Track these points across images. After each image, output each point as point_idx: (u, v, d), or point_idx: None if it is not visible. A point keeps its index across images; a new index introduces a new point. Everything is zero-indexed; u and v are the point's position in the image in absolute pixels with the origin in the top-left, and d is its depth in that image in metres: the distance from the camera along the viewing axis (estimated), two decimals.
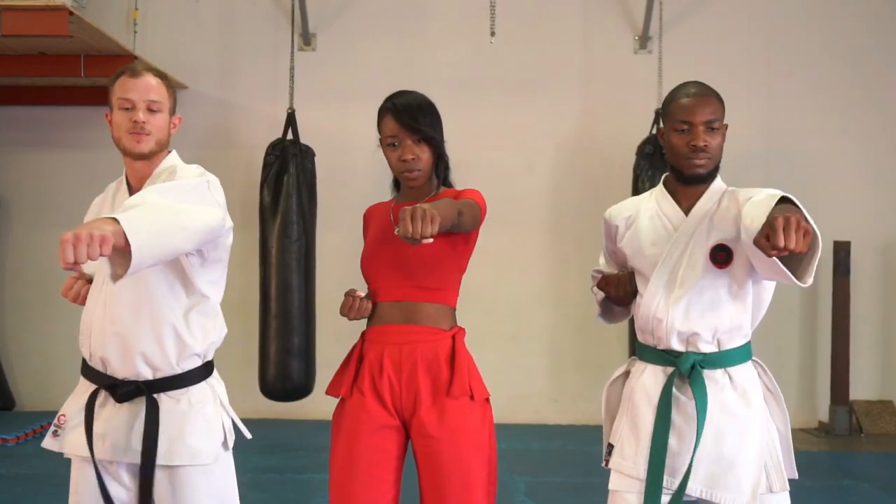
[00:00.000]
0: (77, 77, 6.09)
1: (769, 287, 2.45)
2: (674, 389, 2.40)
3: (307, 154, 6.15)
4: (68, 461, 2.49)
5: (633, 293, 2.54)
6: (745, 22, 6.96)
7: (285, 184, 5.99)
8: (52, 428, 2.45)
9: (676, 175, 2.48)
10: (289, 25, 6.52)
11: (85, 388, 2.43)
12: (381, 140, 2.58)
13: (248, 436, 2.52)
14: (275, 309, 5.92)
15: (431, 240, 2.10)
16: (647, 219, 2.52)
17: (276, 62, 6.78)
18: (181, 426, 2.35)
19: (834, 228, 6.38)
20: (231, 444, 2.46)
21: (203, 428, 2.37)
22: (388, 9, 6.97)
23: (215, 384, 2.47)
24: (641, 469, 2.39)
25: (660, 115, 2.55)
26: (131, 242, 1.94)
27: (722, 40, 6.92)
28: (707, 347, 2.41)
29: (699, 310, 2.39)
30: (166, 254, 2.10)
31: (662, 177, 2.58)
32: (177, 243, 2.12)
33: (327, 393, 2.58)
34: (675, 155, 2.43)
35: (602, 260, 2.72)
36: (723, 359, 2.41)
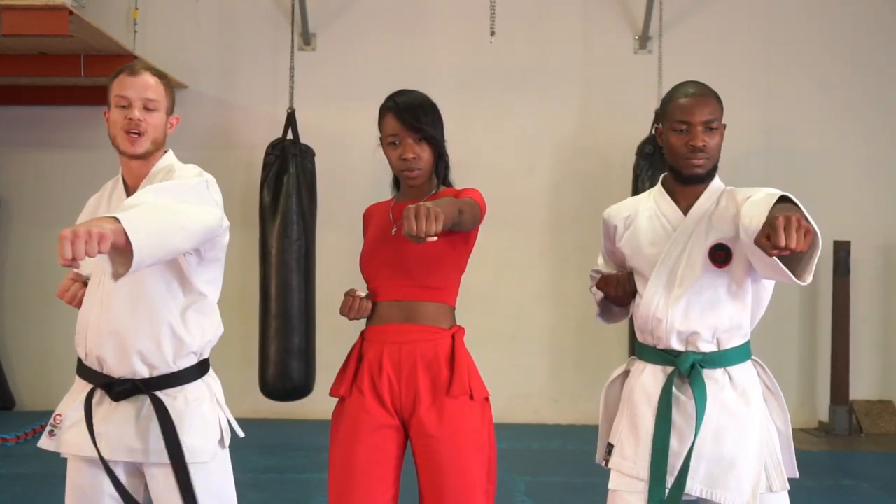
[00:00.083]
0: (77, 77, 6.08)
1: (768, 286, 2.45)
2: (674, 389, 2.40)
3: (307, 154, 6.15)
4: (67, 461, 2.48)
5: (632, 293, 2.54)
6: (745, 22, 6.97)
7: (285, 184, 5.99)
8: (49, 428, 2.45)
9: (675, 175, 2.48)
10: (289, 25, 6.52)
11: (81, 387, 2.43)
12: (381, 139, 2.58)
13: (241, 434, 2.52)
14: (275, 309, 5.92)
15: (436, 238, 2.09)
16: (645, 219, 2.52)
17: (276, 62, 6.78)
18: (178, 424, 2.35)
19: (834, 228, 6.38)
20: (228, 441, 2.46)
21: (200, 426, 2.37)
22: (388, 9, 6.97)
23: (211, 382, 2.48)
24: (641, 469, 2.40)
25: (658, 114, 2.54)
26: (132, 241, 1.94)
27: (722, 40, 6.92)
28: (707, 347, 2.41)
29: (699, 309, 2.39)
30: (166, 253, 2.11)
31: (661, 177, 2.58)
32: (177, 243, 2.12)
33: (330, 394, 2.58)
34: (673, 155, 2.43)
35: (601, 260, 2.72)
36: (722, 358, 2.41)
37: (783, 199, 2.16)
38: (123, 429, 2.35)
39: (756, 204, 2.19)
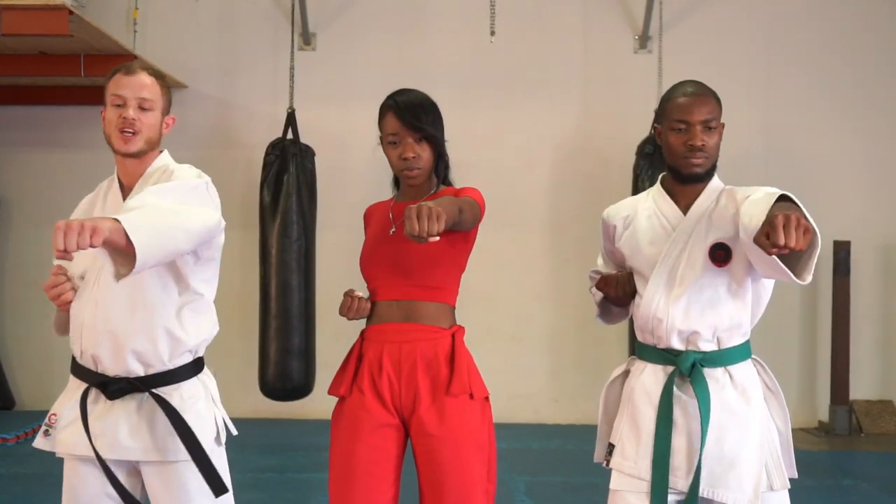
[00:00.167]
0: (77, 77, 6.09)
1: (768, 285, 2.45)
2: (674, 388, 2.40)
3: (307, 154, 6.15)
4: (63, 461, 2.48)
5: (632, 293, 2.54)
6: (745, 22, 6.97)
7: (285, 183, 5.99)
8: (44, 427, 2.45)
9: (674, 174, 2.48)
10: (289, 25, 6.53)
11: (76, 386, 2.42)
12: (381, 138, 2.58)
13: (234, 432, 2.52)
14: (275, 309, 5.92)
15: (438, 238, 2.09)
16: (644, 218, 2.52)
17: (276, 62, 6.78)
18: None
19: (834, 228, 6.39)
20: (223, 439, 2.46)
21: (196, 423, 2.37)
22: (389, 8, 6.97)
23: (206, 380, 2.48)
24: (642, 468, 2.39)
25: (657, 114, 2.54)
26: (134, 241, 1.96)
27: (722, 40, 6.92)
28: (707, 346, 2.41)
29: (699, 308, 2.39)
30: (168, 254, 2.13)
31: (660, 176, 2.58)
32: (178, 244, 2.14)
33: (329, 393, 2.58)
34: (672, 154, 2.43)
35: (600, 260, 2.72)
36: (723, 357, 2.41)
37: (782, 198, 2.16)
38: (119, 427, 2.35)
39: (755, 203, 2.19)
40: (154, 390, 2.35)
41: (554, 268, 6.89)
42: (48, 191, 6.83)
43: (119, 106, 2.38)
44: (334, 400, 2.57)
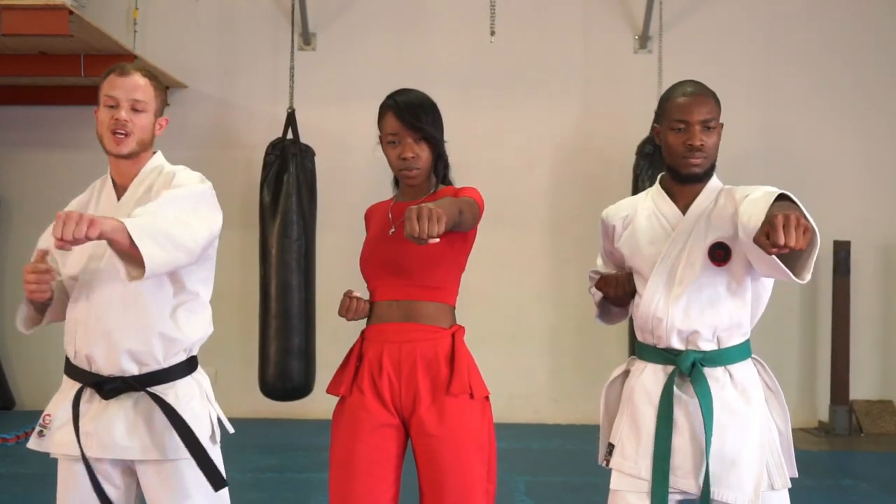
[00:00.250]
0: (77, 77, 6.08)
1: (768, 284, 2.45)
2: (675, 388, 2.40)
3: (307, 154, 6.15)
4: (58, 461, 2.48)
5: (632, 293, 2.54)
6: (745, 22, 6.97)
7: (285, 183, 5.99)
8: (38, 428, 2.45)
9: (673, 174, 2.48)
10: (289, 25, 6.52)
11: (70, 386, 2.42)
12: (380, 137, 2.58)
13: (231, 430, 2.52)
14: (275, 309, 5.92)
15: (438, 239, 2.09)
16: (644, 218, 2.52)
17: (276, 62, 6.78)
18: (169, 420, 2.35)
19: (834, 228, 6.39)
20: (218, 437, 2.47)
21: (191, 421, 2.38)
22: (389, 8, 6.97)
23: (200, 378, 2.48)
24: (642, 468, 2.39)
25: (657, 113, 2.54)
26: (140, 248, 2.04)
27: (722, 40, 6.92)
28: (707, 345, 2.41)
29: (699, 308, 2.39)
30: (175, 265, 2.20)
31: (659, 176, 2.58)
32: (185, 256, 2.21)
33: (328, 392, 2.58)
34: (671, 154, 2.43)
35: (600, 260, 2.72)
36: (723, 356, 2.41)
37: (781, 198, 2.16)
38: (114, 427, 2.35)
39: (754, 202, 2.19)
40: (149, 389, 2.35)
41: (554, 268, 6.89)
42: (48, 191, 6.82)
43: (112, 107, 2.39)
44: (334, 400, 2.57)
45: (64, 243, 1.98)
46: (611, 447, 2.50)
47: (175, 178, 2.39)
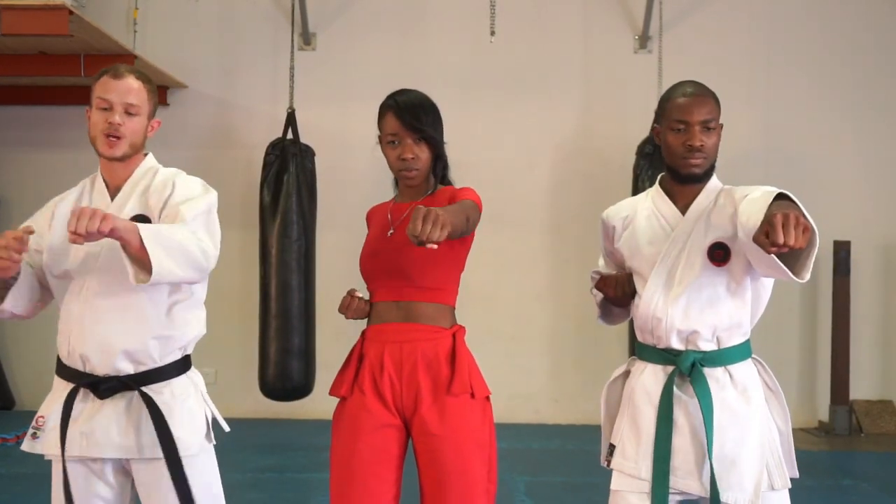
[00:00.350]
0: (77, 77, 6.07)
1: (767, 284, 2.45)
2: (675, 388, 2.40)
3: (307, 154, 6.15)
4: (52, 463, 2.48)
5: (632, 294, 2.54)
6: (745, 22, 6.97)
7: (285, 183, 5.99)
8: (31, 430, 2.45)
9: (672, 174, 2.48)
10: (289, 25, 6.52)
11: (62, 387, 2.42)
12: (380, 137, 2.58)
13: (226, 428, 2.52)
14: (275, 309, 5.92)
15: (436, 246, 2.08)
16: (643, 219, 2.52)
17: (276, 62, 6.78)
18: (166, 418, 2.36)
19: (834, 228, 6.39)
20: (213, 436, 2.47)
21: (187, 419, 2.39)
22: (389, 8, 6.97)
23: (194, 377, 2.49)
24: (643, 469, 2.39)
25: (657, 114, 2.54)
26: (150, 253, 2.09)
27: (722, 40, 6.92)
28: (707, 345, 2.41)
29: (698, 308, 2.39)
30: (180, 280, 2.25)
31: (658, 177, 2.58)
32: (196, 275, 2.28)
33: (330, 394, 2.58)
34: (671, 154, 2.43)
35: (601, 261, 2.72)
36: (723, 357, 2.41)
37: (781, 197, 2.16)
38: (110, 426, 2.35)
39: (754, 202, 2.19)
40: (144, 388, 2.36)
41: (554, 268, 6.89)
42: (48, 191, 6.69)
43: (105, 109, 2.39)
44: (334, 400, 2.57)
45: (77, 237, 2.00)
46: (611, 447, 2.50)
47: (179, 187, 2.40)
